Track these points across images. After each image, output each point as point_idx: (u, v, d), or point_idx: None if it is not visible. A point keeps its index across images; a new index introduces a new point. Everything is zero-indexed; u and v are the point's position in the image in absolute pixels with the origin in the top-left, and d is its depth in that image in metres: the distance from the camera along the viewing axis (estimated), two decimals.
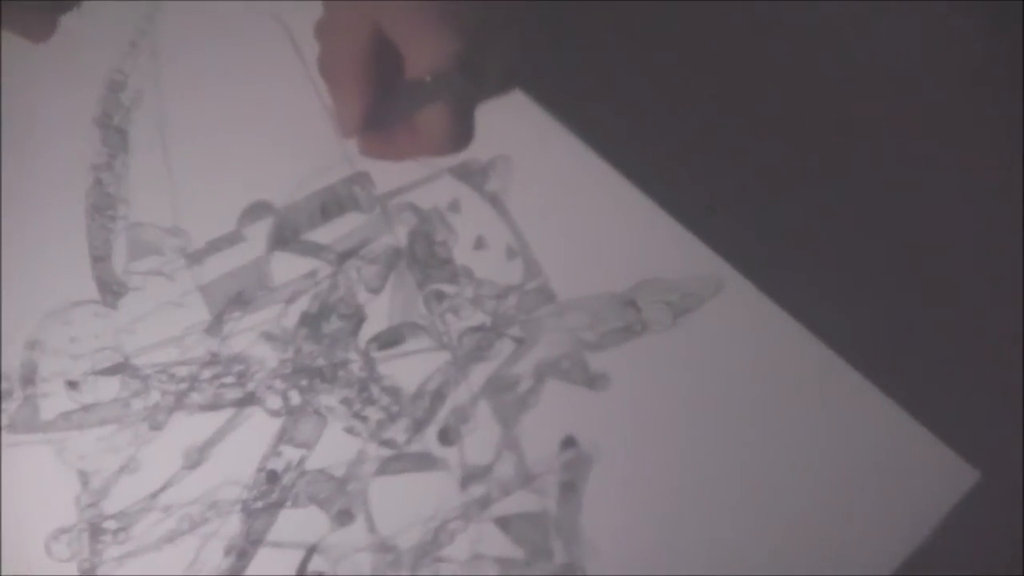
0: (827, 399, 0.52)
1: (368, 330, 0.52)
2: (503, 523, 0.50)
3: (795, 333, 0.52)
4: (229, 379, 0.51)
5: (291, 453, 0.50)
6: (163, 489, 0.50)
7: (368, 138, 0.53)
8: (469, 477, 0.51)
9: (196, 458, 0.50)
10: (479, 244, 0.53)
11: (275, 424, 0.51)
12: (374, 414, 0.51)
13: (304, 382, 0.51)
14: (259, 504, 0.50)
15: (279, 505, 0.50)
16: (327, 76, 0.52)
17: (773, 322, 0.52)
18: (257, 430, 0.51)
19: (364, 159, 0.53)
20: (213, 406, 0.51)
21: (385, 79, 0.51)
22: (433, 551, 0.50)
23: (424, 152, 0.53)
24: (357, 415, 0.51)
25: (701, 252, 0.53)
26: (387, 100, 0.52)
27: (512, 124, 0.54)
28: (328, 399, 0.51)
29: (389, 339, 0.52)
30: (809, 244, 0.58)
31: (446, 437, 0.51)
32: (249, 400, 0.51)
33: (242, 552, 0.49)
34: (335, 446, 0.51)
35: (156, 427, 0.51)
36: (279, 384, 0.51)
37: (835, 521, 0.51)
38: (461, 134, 0.53)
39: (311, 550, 0.50)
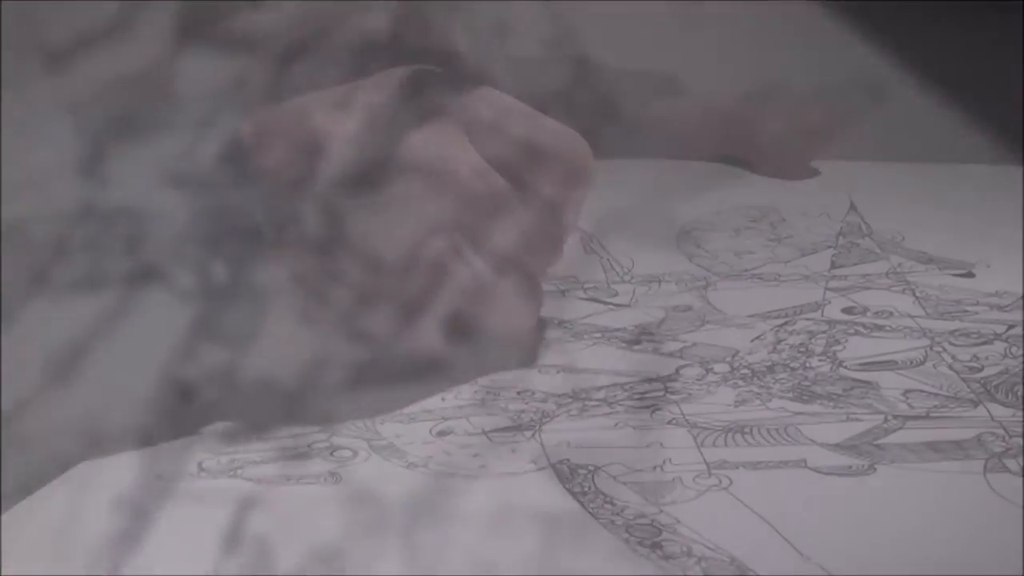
0: None
1: (329, 166, 0.45)
2: None
3: None
4: (114, 242, 0.45)
5: (214, 356, 0.44)
6: (20, 408, 0.43)
7: None
8: None
9: (66, 367, 0.43)
10: None
11: (187, 312, 0.44)
12: (341, 294, 0.45)
13: (231, 247, 0.45)
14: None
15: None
16: None
17: None
18: (158, 321, 0.44)
19: None
20: (89, 284, 0.45)
21: None
22: None
23: None
24: (315, 295, 0.45)
25: None
26: None
27: None
28: (269, 272, 0.45)
29: (362, 178, 0.45)
30: None
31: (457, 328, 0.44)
32: (146, 274, 0.45)
33: None
34: (282, 345, 0.44)
35: (7, 318, 0.44)
36: (191, 250, 0.45)
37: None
38: None
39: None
